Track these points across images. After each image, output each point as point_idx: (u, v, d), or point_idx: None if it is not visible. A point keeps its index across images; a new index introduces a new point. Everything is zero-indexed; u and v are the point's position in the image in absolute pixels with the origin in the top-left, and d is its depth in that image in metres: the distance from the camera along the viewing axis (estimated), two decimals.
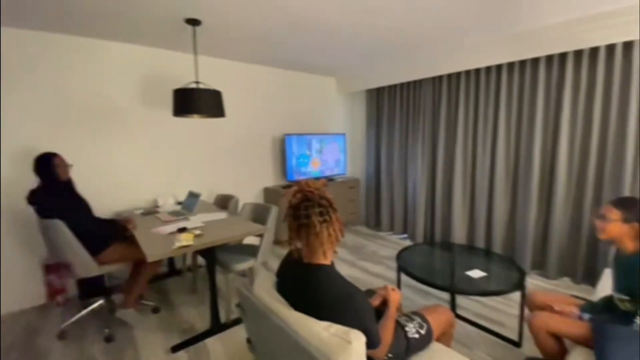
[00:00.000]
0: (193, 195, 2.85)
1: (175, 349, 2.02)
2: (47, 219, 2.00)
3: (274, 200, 3.72)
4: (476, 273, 2.05)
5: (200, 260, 3.08)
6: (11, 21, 2.27)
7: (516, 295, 1.97)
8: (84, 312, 2.36)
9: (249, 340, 1.28)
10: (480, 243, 3.36)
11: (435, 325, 1.41)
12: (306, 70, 4.15)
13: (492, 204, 3.26)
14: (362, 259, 3.47)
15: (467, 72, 3.32)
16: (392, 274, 3.05)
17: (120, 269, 2.30)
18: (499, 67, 3.08)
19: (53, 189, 2.11)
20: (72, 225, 2.03)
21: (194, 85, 2.43)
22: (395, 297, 1.31)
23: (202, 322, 2.33)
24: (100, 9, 2.09)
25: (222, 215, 2.66)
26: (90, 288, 2.63)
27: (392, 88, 4.12)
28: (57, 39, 2.56)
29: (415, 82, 3.81)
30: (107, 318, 2.36)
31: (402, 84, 3.97)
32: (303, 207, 1.06)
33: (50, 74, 2.56)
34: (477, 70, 3.25)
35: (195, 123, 3.35)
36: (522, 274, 1.96)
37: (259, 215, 2.66)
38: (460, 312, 2.36)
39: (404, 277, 2.11)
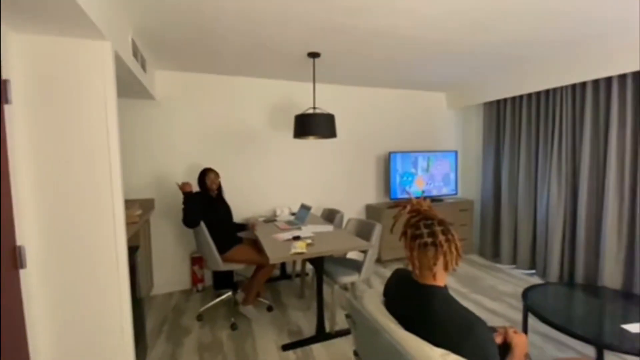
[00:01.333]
0: (305, 208, 3.12)
1: (285, 347, 2.21)
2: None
3: (376, 217, 3.73)
4: (636, 327, 1.60)
5: (308, 268, 3.32)
6: (180, 67, 3.03)
7: None
8: (216, 300, 2.83)
9: (356, 353, 1.32)
10: None
11: None
12: (414, 88, 4.09)
13: None
14: (476, 292, 3.10)
15: (622, 76, 2.70)
16: (514, 314, 2.63)
17: (246, 268, 2.69)
18: None
19: (202, 197, 2.65)
20: (208, 227, 2.51)
21: (311, 111, 2.70)
22: (520, 340, 1.14)
23: (308, 327, 2.49)
24: (242, 51, 2.58)
25: (329, 227, 2.83)
26: (222, 281, 3.15)
27: (516, 99, 3.66)
28: (209, 79, 3.27)
29: (547, 91, 3.30)
30: (233, 309, 2.77)
31: (529, 94, 3.49)
32: (423, 225, 1.06)
33: (206, 106, 3.27)
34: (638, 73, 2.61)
35: (308, 143, 3.70)
36: None
37: (362, 231, 2.71)
38: None
39: (532, 321, 1.80)
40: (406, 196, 1.12)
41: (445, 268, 1.04)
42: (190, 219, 2.49)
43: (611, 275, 2.80)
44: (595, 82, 2.91)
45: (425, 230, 1.04)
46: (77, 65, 1.47)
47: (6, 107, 1.31)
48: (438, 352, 0.89)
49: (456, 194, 4.25)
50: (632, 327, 1.61)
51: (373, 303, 1.18)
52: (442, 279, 1.06)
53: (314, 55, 2.61)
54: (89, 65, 1.49)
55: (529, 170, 3.55)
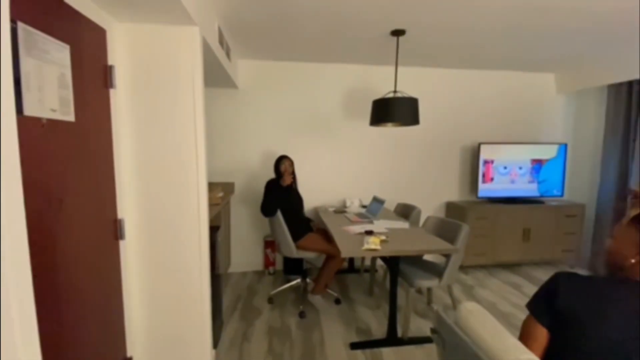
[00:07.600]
0: (377, 201, 2.94)
1: (354, 346, 2.11)
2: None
3: (459, 216, 3.33)
4: None
5: (377, 264, 3.15)
6: (260, 56, 3.07)
7: None
8: (286, 285, 2.88)
9: None
10: None
11: None
12: (513, 68, 3.50)
13: None
14: None
15: None
16: None
17: (315, 258, 2.66)
18: None
19: (278, 187, 2.66)
20: (284, 214, 2.52)
21: (391, 95, 2.48)
22: None
23: (377, 327, 2.34)
24: (322, 34, 2.47)
25: (404, 224, 2.60)
26: (292, 266, 3.19)
27: None
28: (286, 66, 3.26)
29: None
30: (302, 296, 2.77)
31: None
32: None
33: (282, 94, 3.29)
34: None
35: (384, 131, 3.47)
36: None
37: (444, 231, 2.42)
38: None
39: None
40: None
41: None
42: (269, 208, 2.56)
43: None
44: None
45: None
46: (169, 50, 1.54)
47: (111, 92, 1.43)
48: None
49: (562, 195, 3.57)
50: None
51: (479, 322, 0.97)
52: None
53: (398, 32, 2.36)
54: (179, 51, 1.54)
55: None
